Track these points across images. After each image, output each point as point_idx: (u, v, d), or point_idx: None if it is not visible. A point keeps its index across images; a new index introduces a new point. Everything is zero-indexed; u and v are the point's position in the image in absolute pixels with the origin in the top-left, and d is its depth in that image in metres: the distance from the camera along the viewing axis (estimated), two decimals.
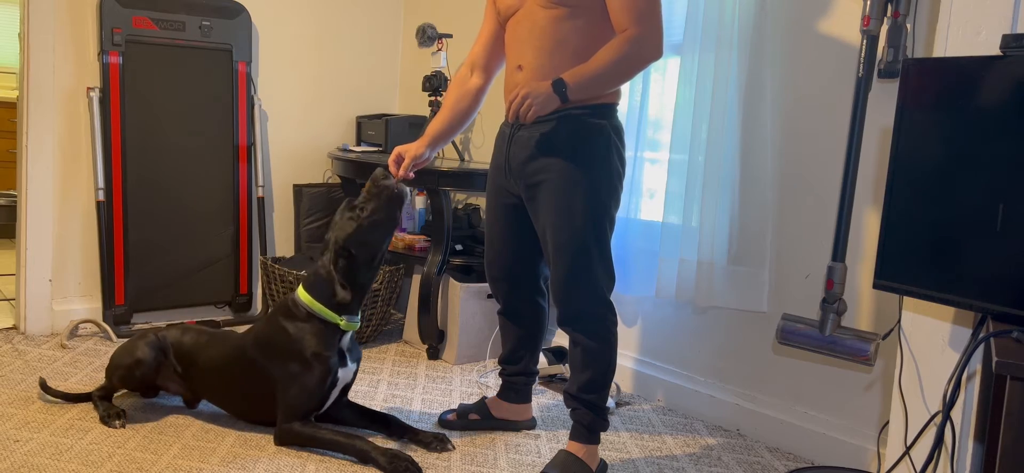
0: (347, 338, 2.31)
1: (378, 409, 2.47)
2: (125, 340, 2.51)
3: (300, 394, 2.23)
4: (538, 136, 2.15)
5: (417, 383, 2.91)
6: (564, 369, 2.98)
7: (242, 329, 2.48)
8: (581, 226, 2.12)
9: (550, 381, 3.00)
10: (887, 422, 2.02)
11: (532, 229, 2.31)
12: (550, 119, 2.13)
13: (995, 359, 1.34)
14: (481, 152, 3.67)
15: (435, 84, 3.48)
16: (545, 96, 2.00)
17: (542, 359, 2.98)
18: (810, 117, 2.49)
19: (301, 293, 2.28)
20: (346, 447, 2.19)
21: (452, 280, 3.16)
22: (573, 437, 2.23)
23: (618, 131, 2.18)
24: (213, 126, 3.45)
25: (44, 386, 2.46)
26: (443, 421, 2.51)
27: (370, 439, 2.21)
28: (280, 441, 2.26)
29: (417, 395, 2.78)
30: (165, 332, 2.49)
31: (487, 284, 3.20)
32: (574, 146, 2.12)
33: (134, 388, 2.43)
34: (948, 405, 1.84)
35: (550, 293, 2.26)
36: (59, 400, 2.46)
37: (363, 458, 2.17)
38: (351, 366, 2.33)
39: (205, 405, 2.54)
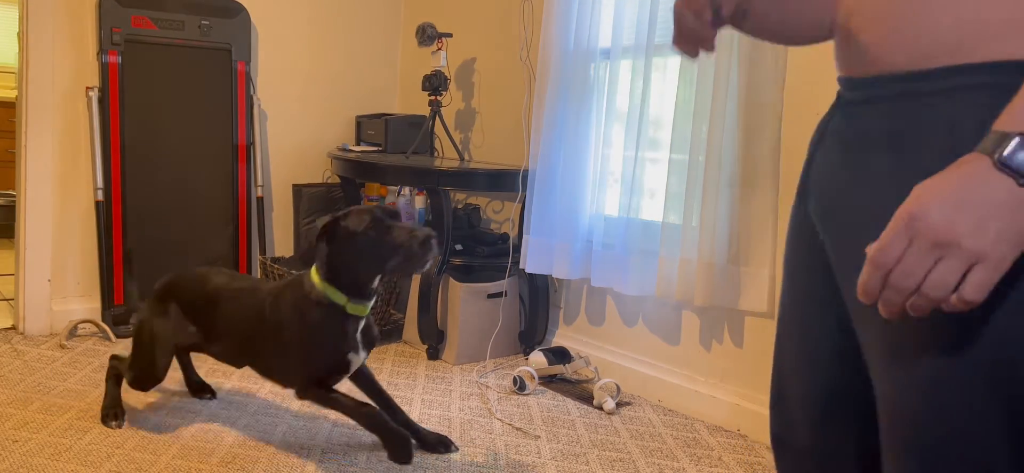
0: (360, 322, 2.17)
1: (389, 399, 2.39)
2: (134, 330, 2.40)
3: (310, 362, 2.15)
4: (877, 127, 0.88)
5: (417, 383, 2.90)
6: (564, 369, 2.98)
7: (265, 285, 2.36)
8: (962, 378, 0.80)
9: (550, 381, 2.99)
10: None
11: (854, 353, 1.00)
12: (911, 92, 0.84)
13: None
14: (481, 151, 3.67)
15: (435, 84, 3.47)
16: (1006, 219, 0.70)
17: (542, 359, 2.97)
18: (810, 116, 2.48)
19: (314, 270, 2.17)
20: (359, 417, 2.16)
21: (452, 280, 3.16)
22: None
23: None
24: (212, 126, 3.45)
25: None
26: None
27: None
28: (301, 396, 2.19)
29: (417, 395, 2.78)
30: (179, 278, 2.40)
31: (488, 284, 3.20)
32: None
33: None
34: None
35: None
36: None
37: (373, 429, 2.17)
38: (363, 353, 2.21)
39: (205, 406, 2.53)
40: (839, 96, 0.98)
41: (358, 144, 3.87)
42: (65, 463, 2.08)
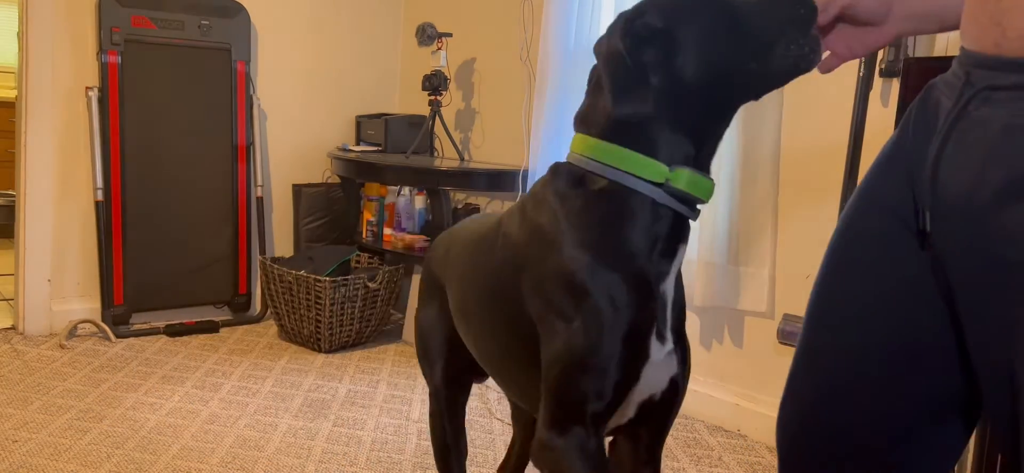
0: (682, 250, 1.10)
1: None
2: None
3: (570, 365, 1.04)
4: None
5: (417, 384, 2.90)
6: None
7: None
8: None
9: None
10: None
11: (949, 351, 0.95)
12: None
13: None
14: (481, 151, 3.67)
15: (435, 83, 3.47)
16: None
17: None
18: (810, 116, 2.48)
19: (579, 141, 1.10)
20: None
21: None
22: None
23: None
24: (212, 126, 3.45)
25: None
26: None
27: None
28: (533, 458, 1.12)
29: (417, 395, 2.78)
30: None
31: None
32: None
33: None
34: None
35: None
36: None
37: None
38: (669, 344, 1.13)
39: (205, 406, 2.53)
40: (969, 78, 0.86)
41: (358, 144, 3.87)
42: (65, 463, 2.08)
